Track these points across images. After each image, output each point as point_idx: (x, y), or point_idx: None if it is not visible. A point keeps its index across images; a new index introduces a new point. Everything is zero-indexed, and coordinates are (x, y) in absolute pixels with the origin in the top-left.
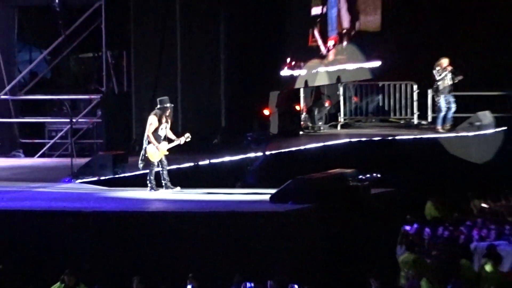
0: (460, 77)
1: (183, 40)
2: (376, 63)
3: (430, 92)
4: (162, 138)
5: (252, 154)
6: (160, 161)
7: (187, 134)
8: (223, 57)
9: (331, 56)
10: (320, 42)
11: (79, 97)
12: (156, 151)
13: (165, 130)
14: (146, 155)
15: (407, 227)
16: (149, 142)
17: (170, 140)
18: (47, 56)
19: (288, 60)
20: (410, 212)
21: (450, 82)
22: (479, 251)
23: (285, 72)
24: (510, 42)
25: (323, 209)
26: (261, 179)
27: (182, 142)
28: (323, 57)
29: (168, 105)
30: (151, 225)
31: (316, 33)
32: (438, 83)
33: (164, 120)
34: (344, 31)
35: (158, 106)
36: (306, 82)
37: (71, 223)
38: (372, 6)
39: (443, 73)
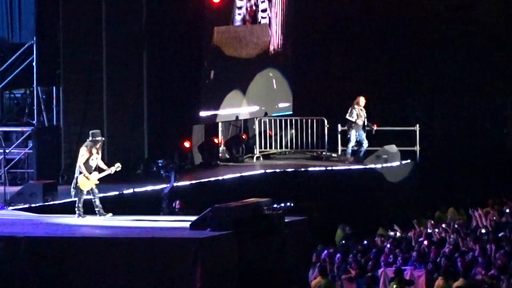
0: (374, 127)
1: (109, 77)
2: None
3: (340, 127)
4: (93, 168)
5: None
6: (91, 189)
7: (117, 164)
8: (146, 94)
9: None
10: None
11: (11, 129)
12: (86, 181)
13: (96, 160)
14: (78, 184)
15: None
16: (80, 172)
17: (101, 170)
18: None
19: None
20: (321, 238)
21: (363, 120)
22: (385, 276)
23: (206, 112)
24: (415, 80)
25: (239, 236)
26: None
27: (112, 172)
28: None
29: (99, 138)
30: (78, 250)
31: None
32: (353, 119)
33: (95, 151)
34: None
35: (90, 138)
36: (237, 116)
37: (3, 247)
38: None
39: (360, 112)
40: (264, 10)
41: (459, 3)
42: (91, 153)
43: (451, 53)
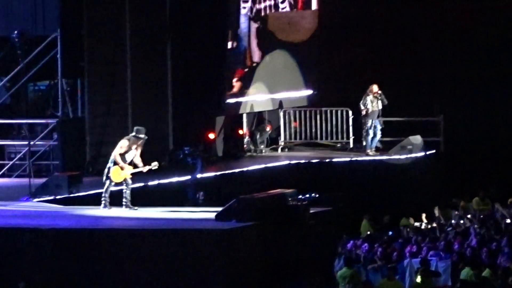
0: (385, 101)
1: (133, 69)
2: (308, 92)
3: None
4: (127, 162)
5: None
6: (125, 180)
7: (155, 163)
8: (170, 85)
9: (235, 88)
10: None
11: (36, 121)
12: (118, 173)
13: (132, 156)
14: (109, 174)
15: (349, 244)
16: (114, 163)
17: (135, 166)
18: (6, 83)
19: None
20: (345, 229)
21: (378, 108)
22: (411, 267)
23: (229, 99)
24: (439, 71)
25: (264, 227)
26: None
27: (145, 170)
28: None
29: (142, 135)
30: (103, 241)
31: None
32: (367, 107)
33: (134, 147)
34: (254, 64)
35: (133, 133)
36: (252, 106)
37: (28, 239)
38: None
39: (374, 99)
40: (283, 1)
41: None
42: (130, 148)
43: (475, 42)
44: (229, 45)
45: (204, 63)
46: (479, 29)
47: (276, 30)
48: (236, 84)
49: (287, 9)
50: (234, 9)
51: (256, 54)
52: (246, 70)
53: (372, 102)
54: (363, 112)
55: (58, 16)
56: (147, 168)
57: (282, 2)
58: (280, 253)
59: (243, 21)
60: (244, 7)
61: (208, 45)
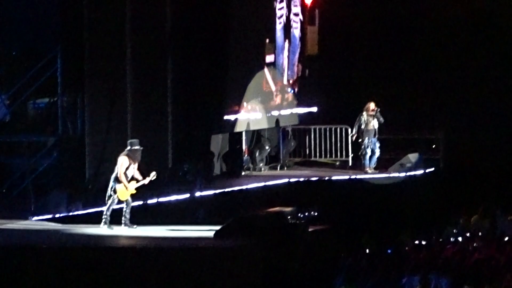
0: (381, 119)
1: (133, 85)
2: (313, 109)
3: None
4: (129, 178)
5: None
6: (126, 199)
7: (153, 173)
8: (170, 102)
9: (278, 100)
10: (273, 87)
11: (36, 139)
12: (125, 191)
13: (133, 170)
14: (117, 194)
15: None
16: (119, 182)
17: (137, 180)
18: (6, 100)
19: (237, 104)
20: (345, 247)
21: (374, 127)
22: (410, 285)
23: (229, 116)
24: (435, 89)
25: (263, 245)
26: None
27: (146, 182)
28: (273, 100)
29: (137, 147)
30: (103, 260)
31: (269, 79)
32: (361, 128)
33: (132, 161)
34: (295, 77)
35: (129, 147)
36: (248, 124)
37: (29, 258)
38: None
39: (369, 118)
40: (296, 14)
41: (482, 7)
42: (130, 163)
43: (475, 60)
44: (271, 58)
45: (205, 79)
46: (479, 46)
47: (310, 44)
48: (277, 98)
49: (299, 24)
50: (271, 22)
51: (299, 68)
52: (285, 83)
53: (368, 121)
54: (353, 138)
55: (59, 32)
56: (148, 179)
57: (296, 15)
58: (279, 271)
59: (279, 35)
60: (280, 22)
61: (209, 60)
